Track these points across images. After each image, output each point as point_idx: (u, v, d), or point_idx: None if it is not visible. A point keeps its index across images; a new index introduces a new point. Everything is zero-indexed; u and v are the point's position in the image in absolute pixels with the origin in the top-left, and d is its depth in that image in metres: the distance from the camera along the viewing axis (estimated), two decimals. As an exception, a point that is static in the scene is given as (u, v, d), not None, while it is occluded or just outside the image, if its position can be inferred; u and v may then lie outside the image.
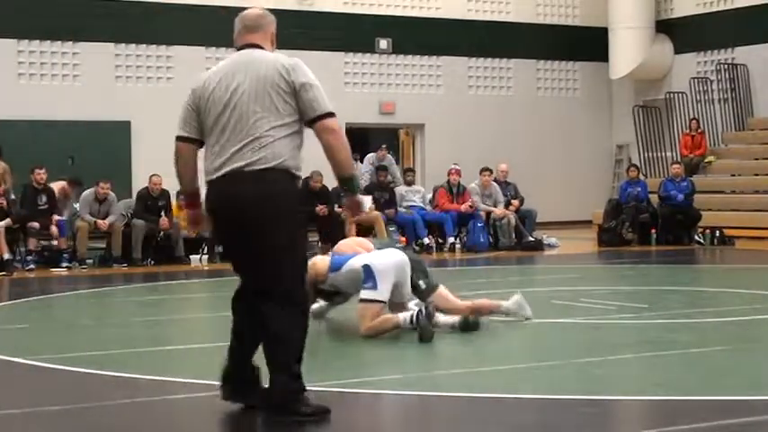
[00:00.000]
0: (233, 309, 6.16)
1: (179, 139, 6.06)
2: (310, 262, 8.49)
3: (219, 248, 5.22)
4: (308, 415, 5.88)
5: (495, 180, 20.27)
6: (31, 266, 16.62)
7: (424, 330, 8.60)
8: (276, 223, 5.84)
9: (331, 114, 5.90)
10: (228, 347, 6.21)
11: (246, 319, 6.07)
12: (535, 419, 6.12)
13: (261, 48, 6.06)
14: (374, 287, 8.71)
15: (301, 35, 23.56)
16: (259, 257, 5.88)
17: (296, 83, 5.87)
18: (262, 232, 5.84)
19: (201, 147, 6.06)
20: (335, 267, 9.13)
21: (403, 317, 8.76)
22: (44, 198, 17.24)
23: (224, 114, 5.89)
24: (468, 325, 9.10)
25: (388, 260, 8.88)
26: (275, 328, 5.83)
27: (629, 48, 25.67)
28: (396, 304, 8.99)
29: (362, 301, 8.81)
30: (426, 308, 8.84)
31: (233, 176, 5.84)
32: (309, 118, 5.88)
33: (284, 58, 5.97)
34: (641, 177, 22.17)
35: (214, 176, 5.90)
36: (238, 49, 6.11)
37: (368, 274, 8.73)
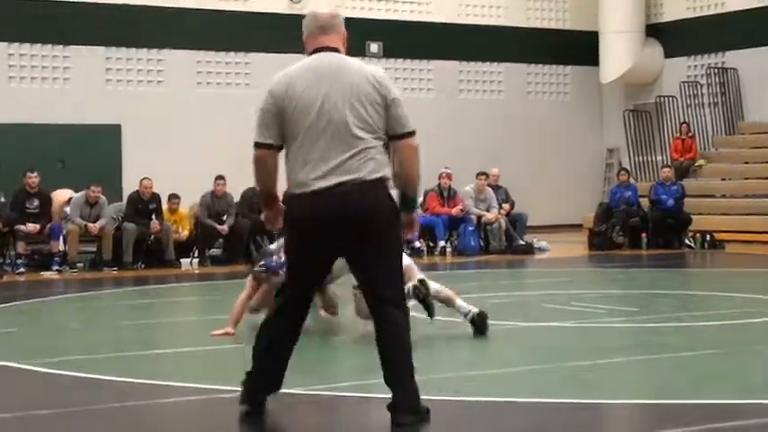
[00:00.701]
0: (272, 324, 6.02)
1: (262, 146, 5.85)
2: None
3: (301, 257, 5.04)
4: (427, 414, 5.91)
5: (488, 184, 20.25)
6: (21, 270, 16.59)
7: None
8: (390, 230, 5.88)
9: (414, 133, 5.94)
10: (261, 368, 6.07)
11: (287, 336, 6.02)
12: (526, 423, 6.12)
13: (338, 51, 5.96)
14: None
15: (292, 38, 23.49)
16: (377, 264, 5.86)
17: (387, 97, 5.87)
18: (378, 241, 5.83)
19: (281, 151, 5.90)
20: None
21: None
22: (35, 202, 17.20)
23: (318, 122, 5.75)
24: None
25: None
26: (399, 330, 5.85)
27: (620, 52, 25.70)
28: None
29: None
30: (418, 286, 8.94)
31: (344, 187, 5.74)
32: (396, 134, 5.89)
33: (370, 67, 5.93)
34: (632, 181, 22.20)
35: (315, 187, 5.74)
36: (312, 52, 5.98)
37: None
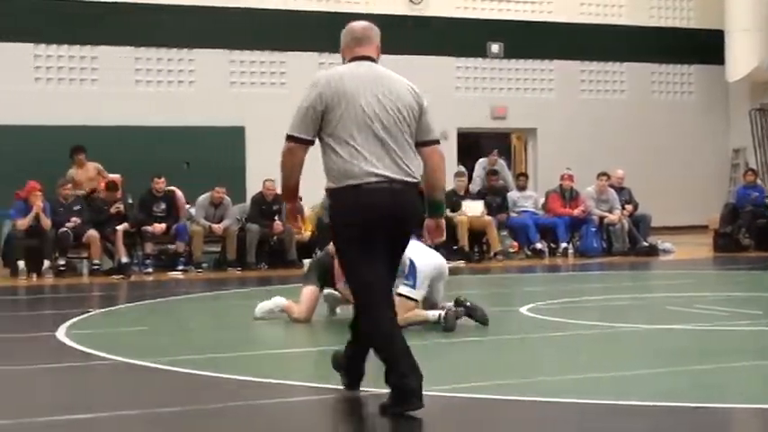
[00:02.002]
0: (385, 324, 6.16)
1: (298, 140, 6.14)
2: None
3: (362, 248, 5.38)
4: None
5: (611, 185, 20.04)
6: (149, 270, 16.94)
7: (448, 324, 9.38)
8: (416, 228, 6.41)
9: (439, 141, 6.37)
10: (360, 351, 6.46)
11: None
12: (647, 426, 6.07)
13: (373, 60, 6.31)
14: (413, 286, 9.40)
15: (413, 40, 23.65)
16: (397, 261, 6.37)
17: (423, 107, 6.26)
18: (409, 236, 6.37)
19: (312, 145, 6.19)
20: None
21: (432, 314, 9.45)
22: (162, 205, 17.55)
23: (372, 124, 6.07)
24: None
25: (430, 262, 9.57)
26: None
27: (746, 50, 25.22)
28: (432, 303, 9.71)
29: (399, 295, 9.10)
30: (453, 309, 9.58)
31: (397, 184, 6.09)
32: (425, 140, 6.25)
33: (411, 83, 6.27)
34: (758, 182, 21.78)
35: (368, 180, 6.04)
36: (349, 61, 6.29)
37: (411, 271, 9.34)
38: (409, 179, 6.12)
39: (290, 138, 6.16)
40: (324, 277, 10.44)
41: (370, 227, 6.08)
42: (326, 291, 10.64)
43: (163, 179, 17.59)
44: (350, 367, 6.64)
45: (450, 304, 9.79)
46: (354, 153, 6.06)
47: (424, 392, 6.02)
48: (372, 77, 6.17)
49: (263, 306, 10.71)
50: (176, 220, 17.52)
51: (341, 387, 6.74)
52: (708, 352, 8.62)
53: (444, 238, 6.60)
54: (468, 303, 9.76)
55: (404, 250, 6.41)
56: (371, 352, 6.32)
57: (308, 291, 10.45)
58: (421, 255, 9.55)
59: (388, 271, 6.28)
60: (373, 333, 6.18)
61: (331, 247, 10.32)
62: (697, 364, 7.87)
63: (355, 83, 6.12)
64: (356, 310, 6.37)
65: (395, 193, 6.08)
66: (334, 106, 6.07)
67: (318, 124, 6.11)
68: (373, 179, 6.04)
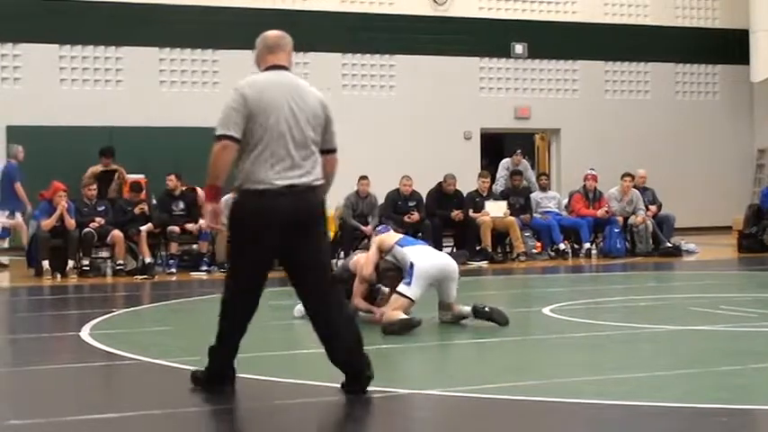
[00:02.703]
0: (244, 308, 6.82)
1: (229, 138, 6.48)
2: (383, 235, 10.35)
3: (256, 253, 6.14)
4: None
5: (635, 186, 19.96)
6: (173, 270, 16.98)
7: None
8: (324, 230, 6.84)
9: (336, 150, 6.90)
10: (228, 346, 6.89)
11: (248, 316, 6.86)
12: (673, 427, 6.05)
13: (287, 68, 6.77)
14: (408, 284, 9.69)
15: (436, 40, 23.65)
16: (319, 259, 6.77)
17: (329, 118, 6.77)
18: (319, 238, 6.77)
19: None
20: (402, 244, 10.14)
21: (400, 318, 9.55)
22: (180, 204, 17.57)
23: (286, 133, 6.53)
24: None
25: (431, 263, 9.82)
26: (347, 312, 7.04)
27: (771, 50, 25.12)
28: (444, 304, 9.99)
29: (396, 292, 9.70)
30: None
31: (301, 189, 6.56)
32: (329, 148, 6.81)
33: (316, 91, 6.77)
34: (783, 182, 21.69)
35: (276, 185, 6.49)
36: (265, 70, 6.73)
37: (410, 272, 9.72)
38: (313, 184, 6.61)
39: (223, 136, 6.49)
40: None
41: (268, 228, 6.54)
42: None
43: (173, 176, 17.58)
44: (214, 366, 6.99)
45: (468, 309, 9.90)
46: (265, 159, 6.50)
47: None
48: (289, 88, 6.63)
49: (302, 307, 10.72)
50: (196, 220, 17.50)
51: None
52: (734, 353, 8.57)
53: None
54: (487, 308, 9.84)
55: (310, 249, 6.72)
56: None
57: None
58: (422, 256, 9.86)
59: (266, 269, 6.85)
60: (226, 302, 6.81)
61: (351, 264, 10.55)
62: (723, 366, 7.83)
63: (274, 93, 6.57)
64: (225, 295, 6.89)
65: (298, 197, 6.53)
66: (257, 113, 6.50)
67: (243, 127, 6.49)
68: (280, 183, 6.49)
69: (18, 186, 18.00)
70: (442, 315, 10.06)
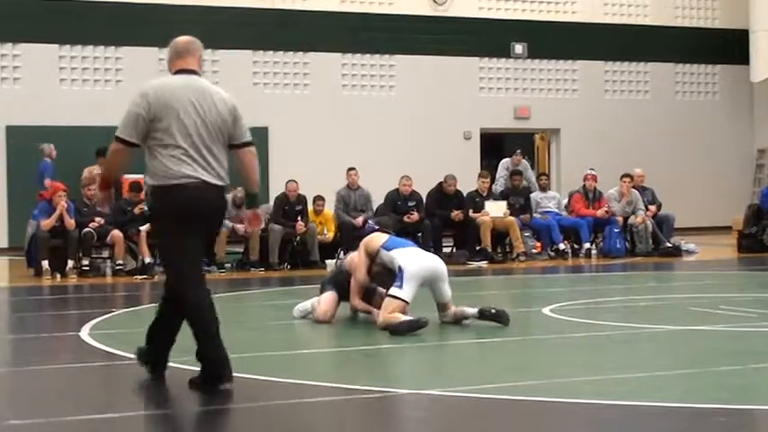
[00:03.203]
0: (198, 296, 7.07)
1: (125, 142, 6.92)
2: (367, 237, 10.38)
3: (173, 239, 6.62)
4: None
5: (634, 186, 19.95)
6: (172, 270, 16.95)
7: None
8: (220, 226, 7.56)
9: (253, 143, 7.21)
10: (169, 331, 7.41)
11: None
12: (673, 427, 6.05)
13: (196, 72, 7.07)
14: (400, 286, 9.69)
15: (436, 40, 23.66)
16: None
17: (237, 116, 7.07)
18: (215, 232, 7.61)
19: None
20: (389, 247, 10.06)
21: (406, 318, 9.53)
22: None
23: (193, 134, 6.87)
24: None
25: (419, 265, 9.82)
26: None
27: (771, 50, 25.13)
28: (440, 304, 10.03)
29: (389, 296, 9.73)
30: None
31: (207, 186, 6.92)
32: (238, 142, 7.10)
33: (225, 94, 7.08)
34: (783, 182, 21.70)
35: (186, 181, 6.87)
36: (175, 73, 7.05)
37: (400, 275, 9.74)
38: (219, 182, 7.00)
39: (117, 139, 6.94)
40: (339, 293, 10.52)
41: (184, 218, 6.89)
42: None
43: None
44: (152, 349, 7.51)
45: (473, 311, 9.94)
46: (177, 158, 6.84)
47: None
48: (194, 90, 6.93)
49: (302, 307, 10.79)
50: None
51: (365, 387, 6.74)
52: (733, 353, 8.57)
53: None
54: (494, 310, 9.88)
55: (213, 238, 7.97)
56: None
57: (328, 294, 10.52)
58: (409, 259, 9.86)
59: (197, 254, 7.10)
60: (187, 305, 7.11)
61: (347, 263, 10.56)
62: (722, 366, 7.83)
63: (179, 95, 6.88)
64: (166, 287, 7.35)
65: (206, 192, 6.90)
66: (162, 116, 6.84)
67: (146, 131, 6.87)
68: (191, 180, 6.84)
69: (47, 183, 18.02)
70: (442, 316, 10.06)
